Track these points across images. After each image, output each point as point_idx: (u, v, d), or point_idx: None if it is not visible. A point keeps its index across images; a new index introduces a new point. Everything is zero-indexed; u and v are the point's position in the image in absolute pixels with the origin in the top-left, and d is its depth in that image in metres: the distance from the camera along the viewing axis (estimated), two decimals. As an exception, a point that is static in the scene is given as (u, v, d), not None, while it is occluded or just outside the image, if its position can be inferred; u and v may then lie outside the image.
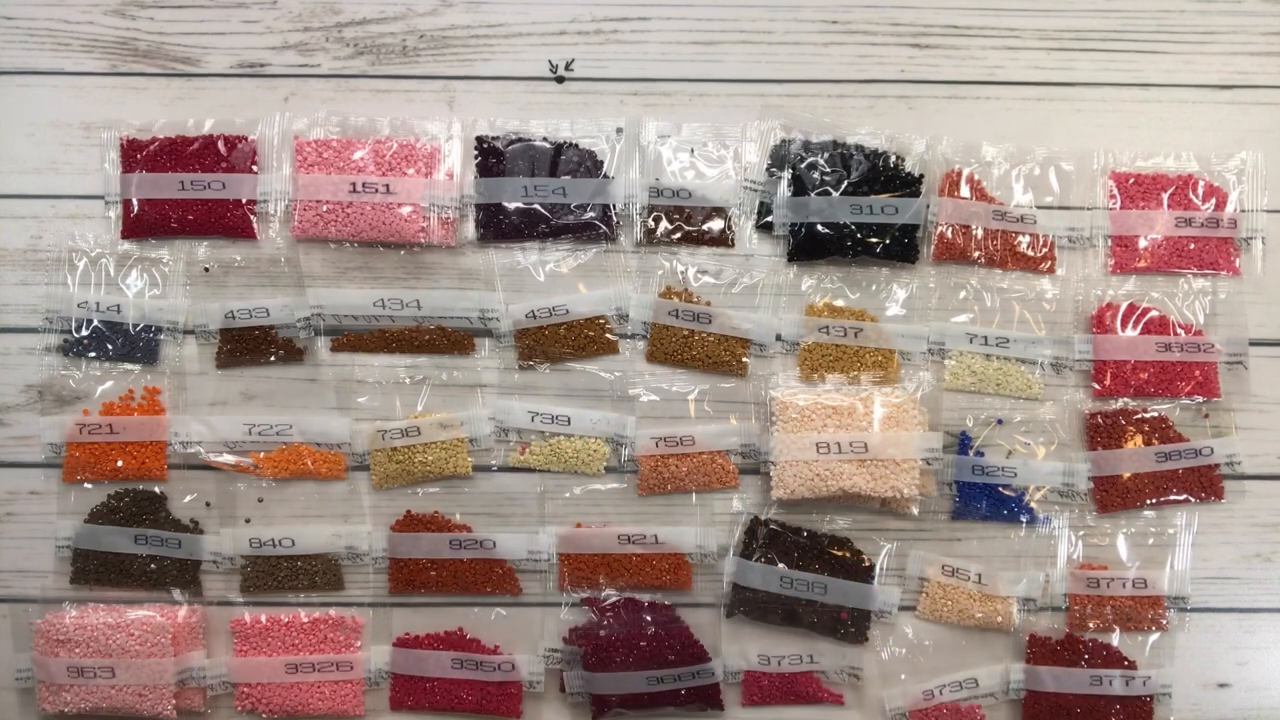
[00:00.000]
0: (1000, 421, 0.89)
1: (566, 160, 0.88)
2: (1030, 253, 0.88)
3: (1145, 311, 0.88)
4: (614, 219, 0.88)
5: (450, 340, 0.88)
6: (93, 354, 0.87)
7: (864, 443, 0.84)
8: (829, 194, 0.87)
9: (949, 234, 0.88)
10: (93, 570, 0.87)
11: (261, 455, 0.88)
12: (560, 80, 0.90)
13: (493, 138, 0.88)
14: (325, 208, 0.86)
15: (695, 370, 0.89)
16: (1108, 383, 0.88)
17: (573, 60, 0.90)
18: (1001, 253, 0.88)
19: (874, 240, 0.87)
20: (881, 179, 0.88)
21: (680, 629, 0.87)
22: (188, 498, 0.88)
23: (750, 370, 0.89)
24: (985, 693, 0.88)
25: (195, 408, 0.88)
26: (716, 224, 0.88)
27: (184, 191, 0.87)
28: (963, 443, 0.88)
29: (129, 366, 0.88)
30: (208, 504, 0.88)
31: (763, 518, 0.88)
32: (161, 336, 0.88)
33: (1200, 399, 0.88)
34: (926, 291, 0.89)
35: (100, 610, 0.86)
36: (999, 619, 0.87)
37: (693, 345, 0.88)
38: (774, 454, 0.85)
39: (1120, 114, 0.90)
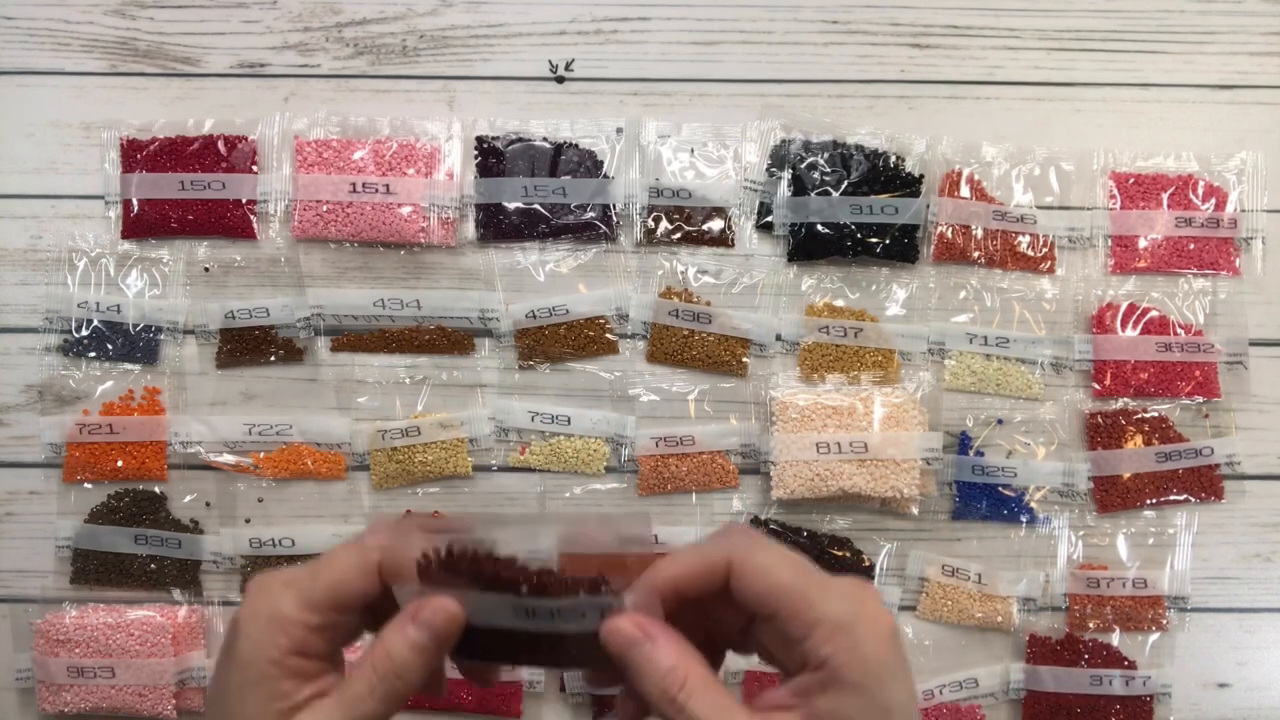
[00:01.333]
0: (1000, 421, 0.89)
1: (566, 160, 0.88)
2: (1030, 253, 0.88)
3: (1145, 311, 0.88)
4: (614, 219, 0.88)
5: (450, 340, 0.88)
6: (93, 354, 0.87)
7: (864, 443, 0.84)
8: (829, 194, 0.87)
9: (949, 234, 0.88)
10: (93, 570, 0.87)
11: (261, 455, 0.88)
12: (560, 80, 0.90)
13: (493, 138, 0.88)
14: (325, 208, 0.86)
15: (695, 370, 0.89)
16: (1108, 383, 0.88)
17: (573, 60, 0.90)
18: (1001, 253, 0.88)
19: (874, 240, 0.87)
20: (881, 179, 0.88)
21: (680, 629, 0.87)
22: (188, 498, 0.88)
23: (750, 370, 0.89)
24: (985, 693, 0.88)
25: (195, 408, 0.88)
26: (716, 224, 0.89)
27: (184, 191, 0.87)
28: (963, 443, 0.88)
29: (129, 366, 0.88)
30: (208, 504, 0.88)
31: (763, 518, 0.88)
32: (161, 336, 0.88)
33: (1200, 399, 0.88)
34: (926, 291, 0.89)
35: (100, 610, 0.86)
36: (999, 619, 0.87)
37: (693, 345, 0.88)
38: (774, 454, 0.85)
39: (1120, 114, 0.90)
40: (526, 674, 0.87)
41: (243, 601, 0.42)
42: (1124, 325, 0.88)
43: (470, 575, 0.42)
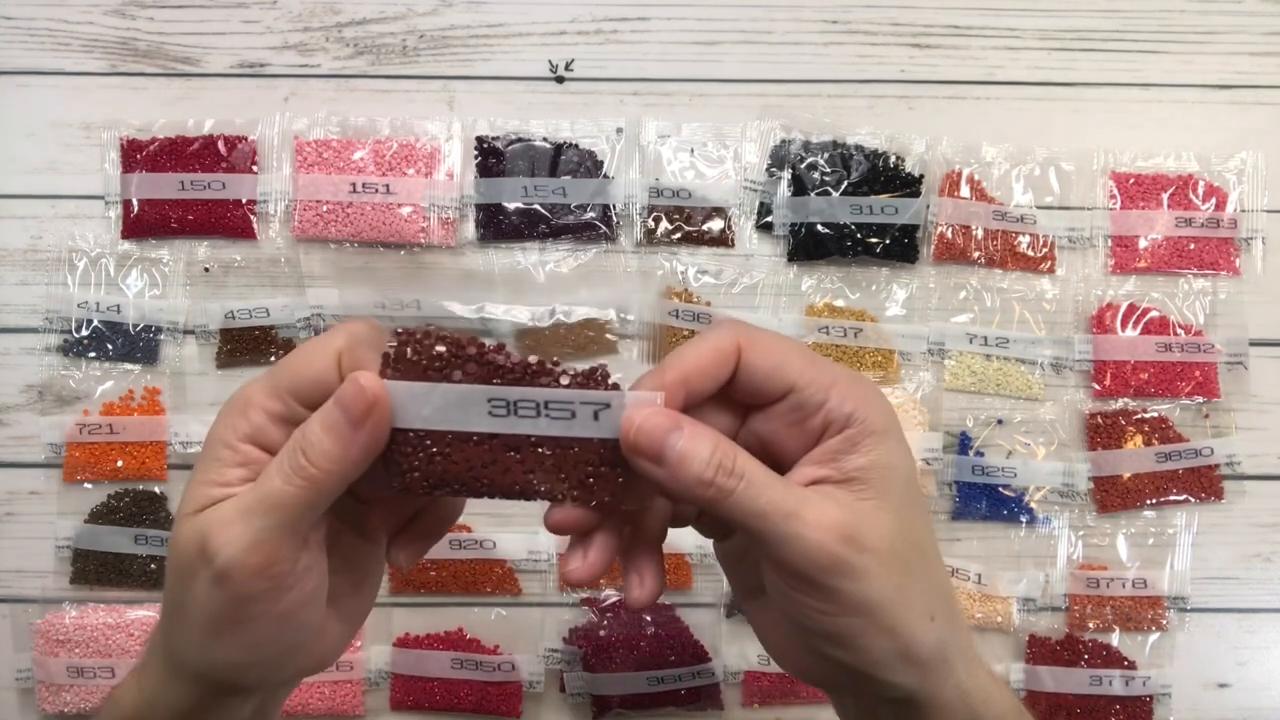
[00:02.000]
0: (1000, 421, 0.89)
1: (566, 160, 0.88)
2: (1030, 253, 0.88)
3: (1145, 311, 0.88)
4: (614, 219, 0.88)
5: (450, 340, 0.88)
6: (93, 354, 0.87)
7: (864, 443, 0.84)
8: (829, 194, 0.87)
9: (949, 234, 0.88)
10: (93, 570, 0.87)
11: (261, 455, 0.88)
12: (560, 80, 0.90)
13: (493, 138, 0.88)
14: (325, 208, 0.86)
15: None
16: (1108, 383, 0.88)
17: (573, 60, 0.90)
18: (1001, 253, 0.88)
19: (874, 240, 0.87)
20: (881, 179, 0.88)
21: (680, 629, 0.87)
22: (188, 498, 0.88)
23: (750, 370, 0.88)
24: (985, 693, 0.88)
25: (195, 408, 0.88)
26: (716, 224, 0.89)
27: (184, 192, 0.87)
28: (963, 443, 0.88)
29: (129, 366, 0.88)
30: (208, 504, 0.88)
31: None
32: (161, 336, 0.88)
33: (1200, 399, 0.88)
34: (926, 291, 0.89)
35: (100, 610, 0.86)
36: (999, 619, 0.87)
37: (693, 345, 0.88)
38: (774, 454, 0.85)
39: (1120, 114, 0.90)
40: (526, 673, 0.87)
41: None
42: (1124, 325, 0.88)
43: (443, 364, 0.38)
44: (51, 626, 0.85)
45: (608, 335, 0.88)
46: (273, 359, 0.88)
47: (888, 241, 0.87)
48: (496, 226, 0.88)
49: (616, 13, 0.90)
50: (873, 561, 0.38)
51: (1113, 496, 0.88)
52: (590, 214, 0.87)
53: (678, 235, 0.88)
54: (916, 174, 0.88)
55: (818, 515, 0.38)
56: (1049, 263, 0.89)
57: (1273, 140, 0.90)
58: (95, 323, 0.87)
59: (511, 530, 0.87)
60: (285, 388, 0.39)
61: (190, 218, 0.87)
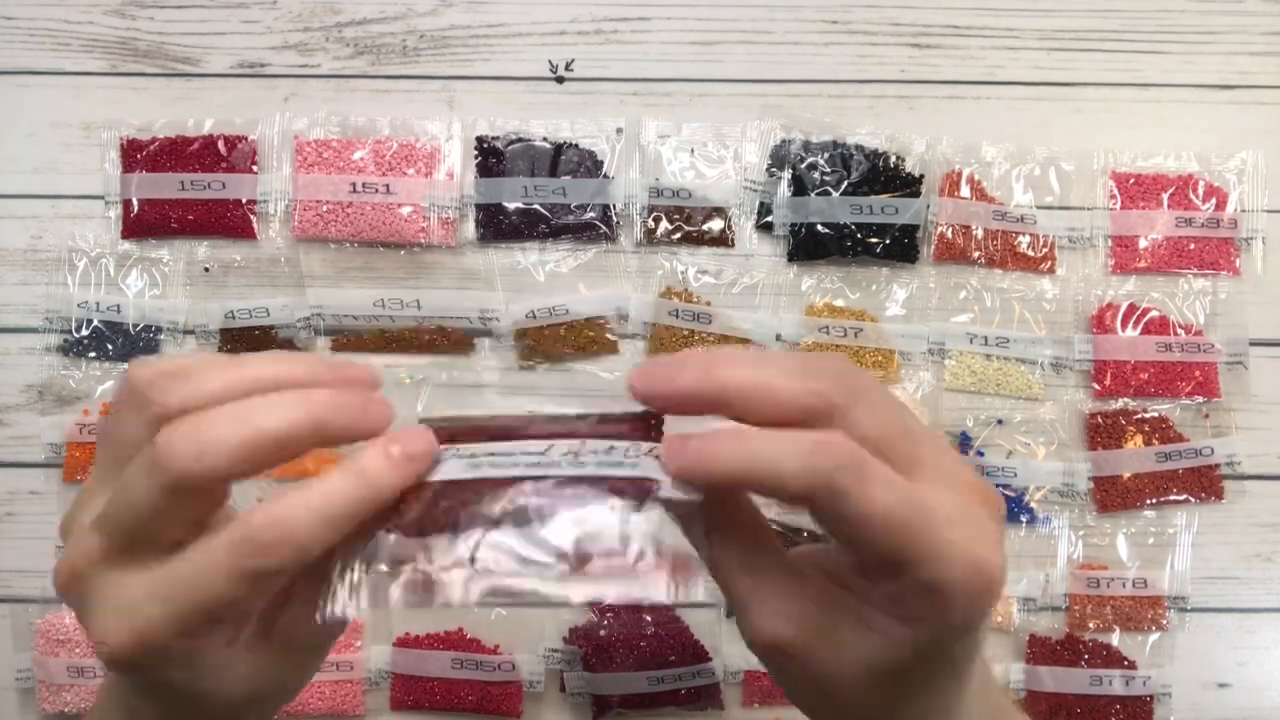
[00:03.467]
0: (1000, 421, 0.89)
1: (566, 160, 0.88)
2: (1030, 253, 0.88)
3: (1145, 311, 0.88)
4: (614, 219, 0.88)
5: (450, 340, 0.88)
6: (93, 354, 0.87)
7: (864, 443, 0.84)
8: (829, 194, 0.87)
9: (949, 234, 0.88)
10: (93, 570, 0.87)
11: (261, 455, 0.88)
12: (560, 80, 0.90)
13: (493, 138, 0.88)
14: (325, 208, 0.86)
15: (695, 370, 0.88)
16: (1108, 383, 0.88)
17: (573, 60, 0.90)
18: (1001, 253, 0.88)
19: (874, 240, 0.87)
20: (881, 179, 0.88)
21: (680, 629, 0.87)
22: (188, 498, 0.88)
23: (750, 370, 0.88)
24: (985, 693, 0.88)
25: (195, 408, 0.88)
26: (716, 224, 0.89)
27: (184, 191, 0.87)
28: (963, 442, 0.88)
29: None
30: (208, 504, 0.88)
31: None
32: (161, 336, 0.88)
33: (1200, 399, 0.88)
34: (926, 291, 0.89)
35: (100, 610, 0.86)
36: (999, 619, 0.87)
37: (693, 345, 0.88)
38: (774, 454, 0.85)
39: (1120, 114, 0.90)
40: (526, 673, 0.87)
41: None
42: (1124, 325, 0.88)
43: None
44: (51, 626, 0.85)
45: (607, 335, 0.89)
46: (273, 359, 0.88)
47: (888, 241, 0.87)
48: (496, 226, 0.88)
49: (616, 13, 0.90)
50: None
51: (1113, 496, 0.88)
52: (590, 214, 0.88)
53: (678, 235, 0.88)
54: (916, 174, 0.88)
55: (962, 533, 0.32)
56: (1049, 263, 0.89)
57: (1273, 140, 0.90)
58: (95, 323, 0.87)
59: (511, 530, 0.87)
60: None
61: (190, 218, 0.87)
